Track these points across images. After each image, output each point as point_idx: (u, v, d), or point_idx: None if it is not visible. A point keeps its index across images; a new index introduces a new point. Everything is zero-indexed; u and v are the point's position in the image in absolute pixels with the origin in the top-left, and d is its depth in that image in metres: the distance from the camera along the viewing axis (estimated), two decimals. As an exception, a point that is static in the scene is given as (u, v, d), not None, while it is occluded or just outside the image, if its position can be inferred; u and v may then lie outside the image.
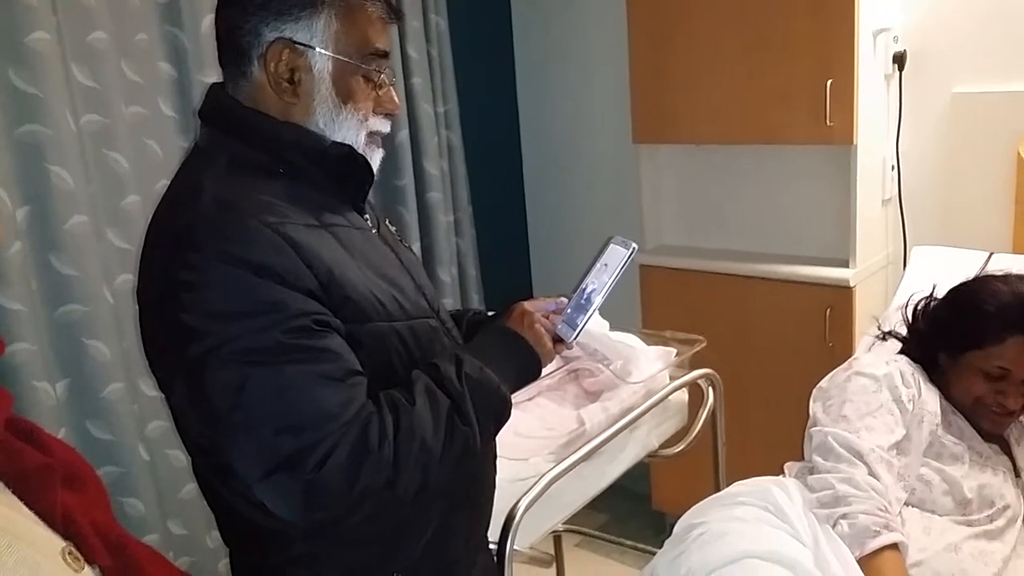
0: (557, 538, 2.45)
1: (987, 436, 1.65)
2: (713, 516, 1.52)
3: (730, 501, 1.56)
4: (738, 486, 1.62)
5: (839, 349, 2.53)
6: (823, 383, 1.72)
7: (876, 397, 1.58)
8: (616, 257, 1.27)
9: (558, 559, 2.46)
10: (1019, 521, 1.60)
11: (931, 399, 1.63)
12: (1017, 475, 1.65)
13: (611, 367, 1.86)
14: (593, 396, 1.88)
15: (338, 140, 1.16)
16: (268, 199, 1.09)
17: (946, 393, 1.66)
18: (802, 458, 1.68)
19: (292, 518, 1.06)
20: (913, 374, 1.64)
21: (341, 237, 1.14)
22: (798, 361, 2.60)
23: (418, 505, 1.17)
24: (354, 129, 1.17)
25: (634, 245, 1.26)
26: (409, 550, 1.20)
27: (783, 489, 1.55)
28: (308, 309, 1.04)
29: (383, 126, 1.21)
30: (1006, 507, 1.58)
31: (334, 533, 1.15)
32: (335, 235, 1.13)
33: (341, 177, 1.18)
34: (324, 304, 1.06)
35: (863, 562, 1.39)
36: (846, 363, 1.72)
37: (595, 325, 1.83)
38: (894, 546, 1.41)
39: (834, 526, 1.44)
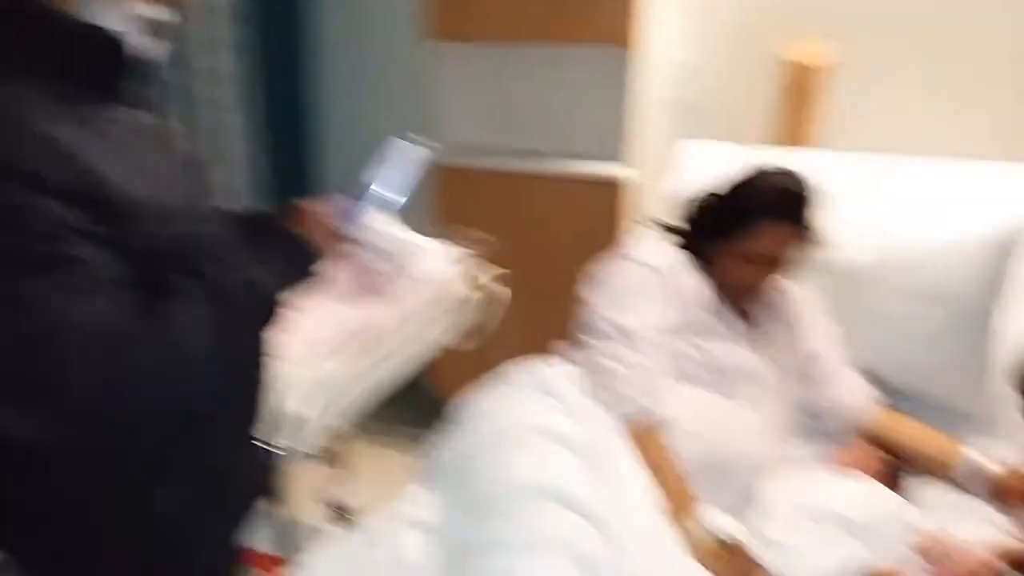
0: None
1: (743, 316, 1.78)
2: (486, 397, 1.59)
3: (502, 382, 1.65)
4: (509, 368, 1.70)
5: (617, 246, 2.62)
6: (596, 270, 1.80)
7: (644, 281, 1.68)
8: (406, 156, 1.24)
9: (335, 450, 2.43)
10: (772, 391, 1.75)
11: (696, 284, 1.73)
12: (760, 344, 1.79)
13: (399, 266, 1.84)
14: (381, 296, 1.87)
15: (109, 28, 1.07)
16: (22, 91, 0.99)
17: (712, 278, 1.77)
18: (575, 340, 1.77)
19: (43, 441, 0.99)
20: (681, 261, 1.75)
21: (110, 135, 1.06)
22: (584, 257, 2.68)
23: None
24: (125, 17, 1.08)
25: (428, 144, 1.24)
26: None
27: (552, 368, 1.65)
28: (58, 214, 0.96)
29: (160, 14, 1.12)
30: (760, 379, 1.73)
31: (88, 449, 1.08)
32: (102, 132, 1.05)
33: (110, 69, 1.09)
34: (83, 208, 0.98)
35: (630, 437, 1.50)
36: (619, 251, 1.81)
37: (384, 225, 1.81)
38: (659, 422, 1.53)
39: (603, 403, 1.54)
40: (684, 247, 1.80)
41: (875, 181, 2.13)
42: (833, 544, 1.46)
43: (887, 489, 1.60)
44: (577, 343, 1.73)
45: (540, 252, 2.77)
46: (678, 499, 1.45)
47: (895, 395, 1.90)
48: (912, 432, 1.81)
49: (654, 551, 1.29)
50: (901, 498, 1.60)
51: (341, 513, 2.29)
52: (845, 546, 1.46)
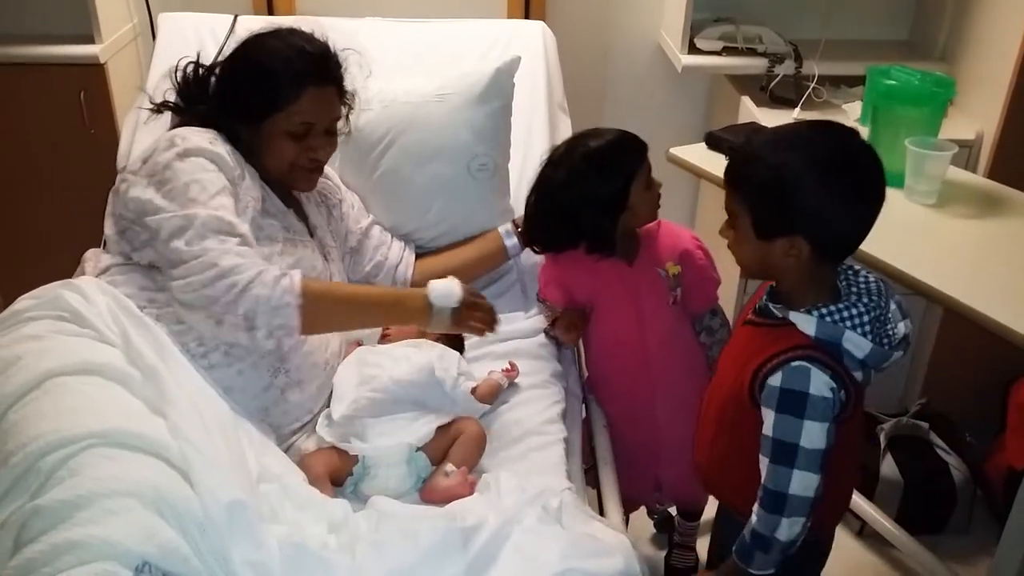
0: None
1: (286, 202, 1.64)
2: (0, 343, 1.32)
3: (15, 320, 1.36)
4: (23, 300, 1.41)
5: (102, 134, 2.38)
6: (147, 167, 1.49)
7: (217, 177, 1.45)
8: None
9: None
10: (333, 277, 1.67)
11: (253, 182, 1.54)
12: (312, 235, 1.69)
13: None
14: None
15: None
16: None
17: (254, 165, 1.58)
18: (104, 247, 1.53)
19: None
20: (233, 152, 1.53)
21: None
22: (62, 152, 2.42)
23: None
24: None
25: None
26: None
27: (76, 291, 1.38)
28: None
29: None
30: (317, 277, 1.60)
31: None
32: None
33: None
34: None
35: (303, 307, 1.37)
36: (167, 142, 1.50)
37: None
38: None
39: (240, 299, 1.34)
40: (213, 128, 1.56)
41: (362, 44, 2.13)
42: (400, 410, 1.50)
43: (444, 348, 1.65)
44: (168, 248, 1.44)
45: (12, 152, 2.44)
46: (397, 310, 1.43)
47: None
48: (453, 255, 1.92)
49: (227, 469, 1.19)
50: (457, 353, 1.67)
51: None
52: (413, 409, 1.51)
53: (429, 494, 1.41)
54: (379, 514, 1.29)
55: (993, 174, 2.15)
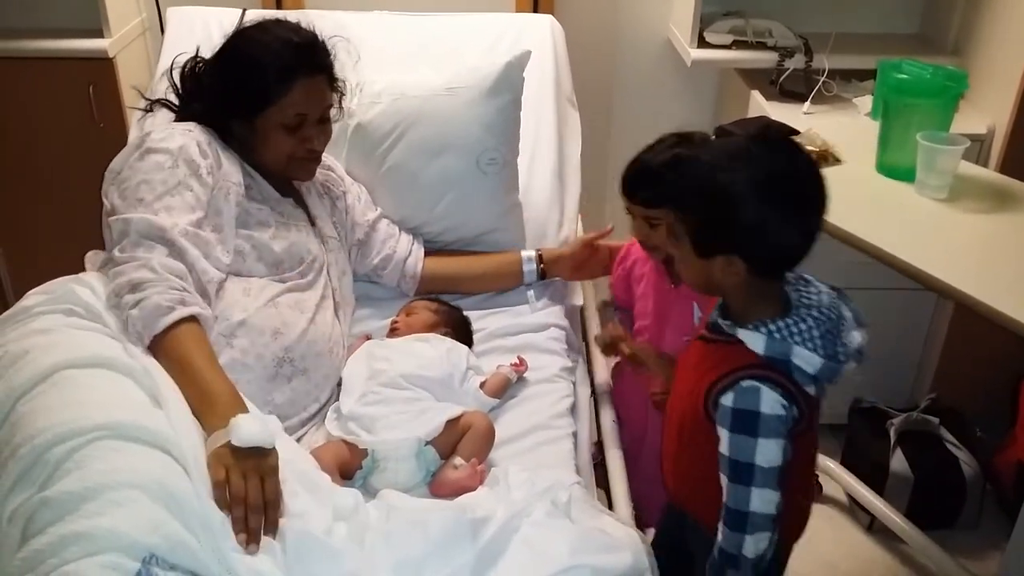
0: None
1: (282, 191, 1.66)
2: (9, 338, 1.32)
3: (25, 316, 1.36)
4: (32, 296, 1.41)
5: (111, 128, 2.38)
6: (115, 164, 1.54)
7: (173, 174, 1.46)
8: None
9: None
10: (324, 268, 1.68)
11: (232, 168, 1.56)
12: (312, 224, 1.71)
13: None
14: None
15: None
16: None
17: (250, 159, 1.61)
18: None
19: None
20: (210, 143, 1.54)
21: None
22: (70, 146, 2.43)
23: None
24: None
25: None
26: None
27: (85, 285, 1.39)
28: None
29: None
30: (313, 260, 1.64)
31: None
32: None
33: None
34: None
35: (160, 341, 1.31)
36: (138, 139, 1.55)
37: None
38: (192, 319, 1.35)
39: (128, 322, 1.33)
40: (208, 124, 1.59)
41: (371, 37, 2.13)
42: (409, 403, 1.49)
43: (453, 342, 1.65)
44: (108, 253, 1.49)
45: (16, 144, 2.44)
46: (203, 403, 1.28)
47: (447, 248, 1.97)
48: (469, 263, 1.92)
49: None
50: (466, 347, 1.67)
51: None
52: (422, 403, 1.50)
53: (438, 488, 1.41)
54: (389, 506, 1.29)
55: (1005, 168, 2.13)
